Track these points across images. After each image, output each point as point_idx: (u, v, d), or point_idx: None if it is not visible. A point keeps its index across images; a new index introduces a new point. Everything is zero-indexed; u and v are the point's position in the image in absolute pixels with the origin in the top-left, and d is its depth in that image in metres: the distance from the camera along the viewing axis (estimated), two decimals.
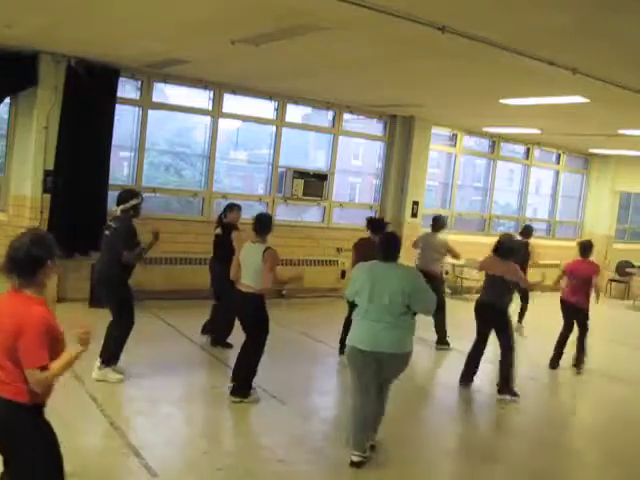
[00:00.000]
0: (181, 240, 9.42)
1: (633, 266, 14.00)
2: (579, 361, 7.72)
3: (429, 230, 8.80)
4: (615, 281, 14.32)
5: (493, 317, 6.48)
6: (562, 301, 7.74)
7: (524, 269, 8.87)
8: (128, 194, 6.08)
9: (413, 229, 11.31)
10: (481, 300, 6.66)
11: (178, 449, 4.64)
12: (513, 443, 5.46)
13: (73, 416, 4.94)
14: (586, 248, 7.75)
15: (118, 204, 5.96)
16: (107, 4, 5.46)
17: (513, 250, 6.65)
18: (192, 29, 6.09)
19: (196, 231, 9.44)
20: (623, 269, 14.17)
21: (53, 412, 4.89)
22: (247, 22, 5.57)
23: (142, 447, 4.46)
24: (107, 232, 5.95)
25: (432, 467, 4.85)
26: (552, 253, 13.82)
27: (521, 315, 9.52)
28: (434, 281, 8.07)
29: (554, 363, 7.77)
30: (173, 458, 4.47)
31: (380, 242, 4.86)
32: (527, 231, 9.99)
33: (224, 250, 6.86)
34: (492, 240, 12.31)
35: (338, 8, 4.60)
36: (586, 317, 7.65)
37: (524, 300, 9.48)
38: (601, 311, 12.89)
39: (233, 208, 7.49)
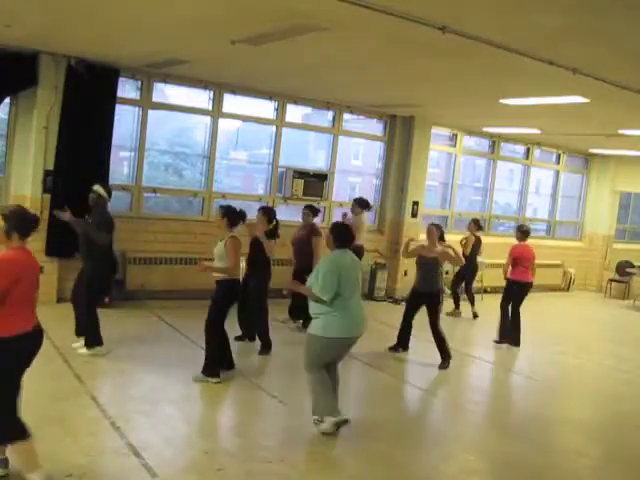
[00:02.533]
0: (181, 240, 9.43)
1: (633, 266, 14.00)
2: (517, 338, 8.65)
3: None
4: (615, 281, 14.32)
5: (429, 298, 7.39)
6: (518, 282, 8.56)
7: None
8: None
9: (413, 229, 11.32)
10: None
11: (178, 449, 4.64)
12: (504, 438, 5.46)
13: (74, 416, 4.95)
14: (528, 233, 8.84)
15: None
16: (107, 4, 5.46)
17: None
18: (192, 29, 6.09)
19: (196, 231, 9.45)
20: (623, 269, 14.17)
21: (54, 412, 4.92)
22: (247, 22, 5.58)
23: (142, 447, 4.46)
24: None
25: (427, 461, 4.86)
26: (552, 253, 13.87)
27: (456, 302, 10.36)
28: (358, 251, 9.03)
29: (502, 338, 8.72)
30: (173, 458, 4.47)
31: (336, 231, 5.16)
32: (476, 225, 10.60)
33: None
34: (492, 240, 12.36)
35: (338, 8, 4.60)
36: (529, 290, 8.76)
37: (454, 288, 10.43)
38: (601, 311, 12.96)
39: (265, 213, 7.58)
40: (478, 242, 10.49)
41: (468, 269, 10.09)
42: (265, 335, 7.26)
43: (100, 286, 6.69)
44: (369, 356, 7.49)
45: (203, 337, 6.08)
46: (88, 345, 6.39)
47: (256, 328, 7.37)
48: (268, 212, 7.60)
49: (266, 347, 7.23)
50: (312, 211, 8.49)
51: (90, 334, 6.41)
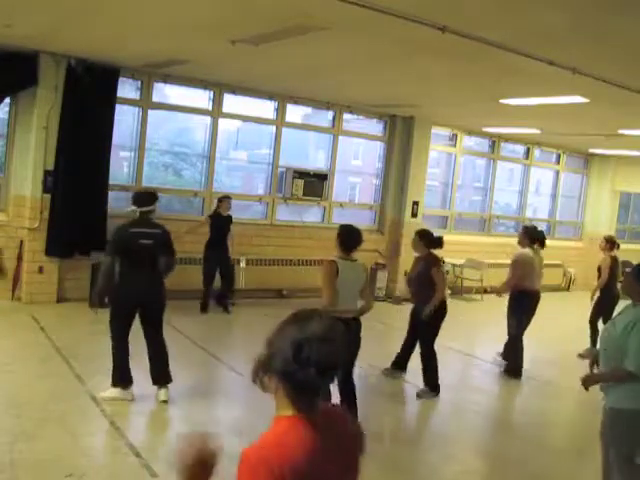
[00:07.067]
0: (181, 240, 9.40)
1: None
2: None
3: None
4: None
5: None
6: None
7: None
8: (152, 196, 5.51)
9: (413, 229, 11.30)
10: None
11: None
12: (512, 442, 5.46)
13: (74, 416, 4.95)
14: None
15: (141, 205, 5.31)
16: (107, 4, 5.47)
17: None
18: (192, 29, 6.10)
19: (196, 231, 9.44)
20: (623, 269, 14.13)
21: (54, 412, 4.92)
22: (247, 22, 5.58)
23: (142, 447, 4.46)
24: (148, 240, 5.28)
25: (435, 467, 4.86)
26: (552, 253, 13.85)
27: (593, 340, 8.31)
28: None
29: None
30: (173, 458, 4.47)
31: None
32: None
33: None
34: (492, 240, 12.34)
35: (338, 8, 4.59)
36: None
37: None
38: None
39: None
40: (615, 264, 8.78)
41: (606, 300, 8.42)
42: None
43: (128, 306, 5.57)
44: (370, 357, 7.47)
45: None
46: (116, 383, 5.37)
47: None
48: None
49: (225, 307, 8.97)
50: (426, 237, 6.58)
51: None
